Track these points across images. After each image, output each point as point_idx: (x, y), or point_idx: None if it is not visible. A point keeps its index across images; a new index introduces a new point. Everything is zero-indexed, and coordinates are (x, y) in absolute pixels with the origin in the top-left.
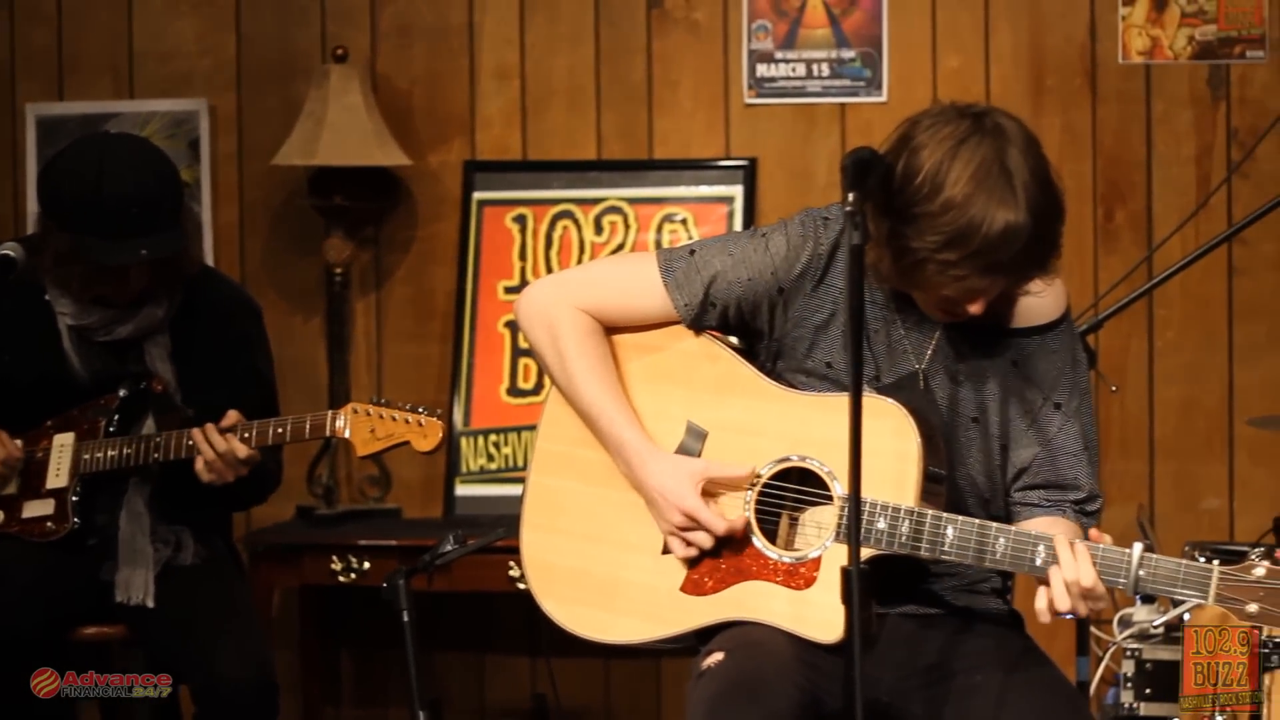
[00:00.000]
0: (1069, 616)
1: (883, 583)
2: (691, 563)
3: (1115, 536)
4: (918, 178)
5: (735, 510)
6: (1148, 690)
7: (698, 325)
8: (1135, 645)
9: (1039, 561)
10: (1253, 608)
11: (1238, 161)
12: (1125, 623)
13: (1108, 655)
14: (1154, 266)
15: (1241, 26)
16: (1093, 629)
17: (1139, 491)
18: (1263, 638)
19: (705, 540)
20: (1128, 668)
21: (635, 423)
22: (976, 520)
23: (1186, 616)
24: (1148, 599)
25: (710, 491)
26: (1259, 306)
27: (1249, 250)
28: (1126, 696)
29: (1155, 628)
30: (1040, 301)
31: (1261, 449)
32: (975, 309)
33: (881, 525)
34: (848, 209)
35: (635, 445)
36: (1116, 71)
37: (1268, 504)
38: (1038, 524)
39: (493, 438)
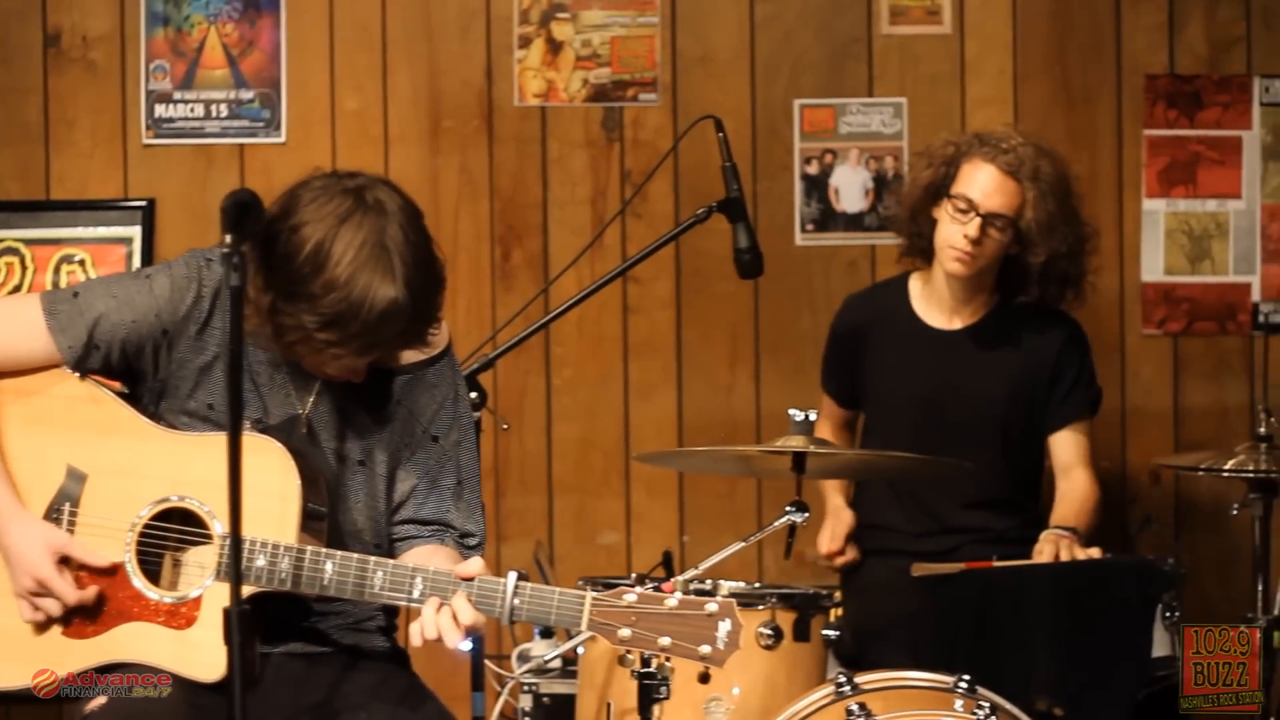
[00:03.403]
0: (463, 646)
1: (268, 621)
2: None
3: None
4: (299, 257)
5: (116, 551)
6: None
7: (81, 368)
8: (532, 680)
9: (417, 593)
10: (625, 632)
11: (628, 198)
12: (524, 658)
13: (506, 690)
14: (550, 305)
15: (634, 70)
16: (490, 664)
17: (538, 527)
18: (652, 669)
19: (55, 608)
20: (525, 702)
21: (1, 481)
22: (355, 555)
23: (581, 650)
24: (546, 633)
25: (90, 524)
26: (653, 344)
27: (643, 289)
28: None
29: (548, 662)
30: None
31: (656, 483)
32: (354, 379)
33: (261, 562)
34: (225, 251)
35: None
36: (513, 114)
37: (662, 537)
38: (418, 553)
39: None
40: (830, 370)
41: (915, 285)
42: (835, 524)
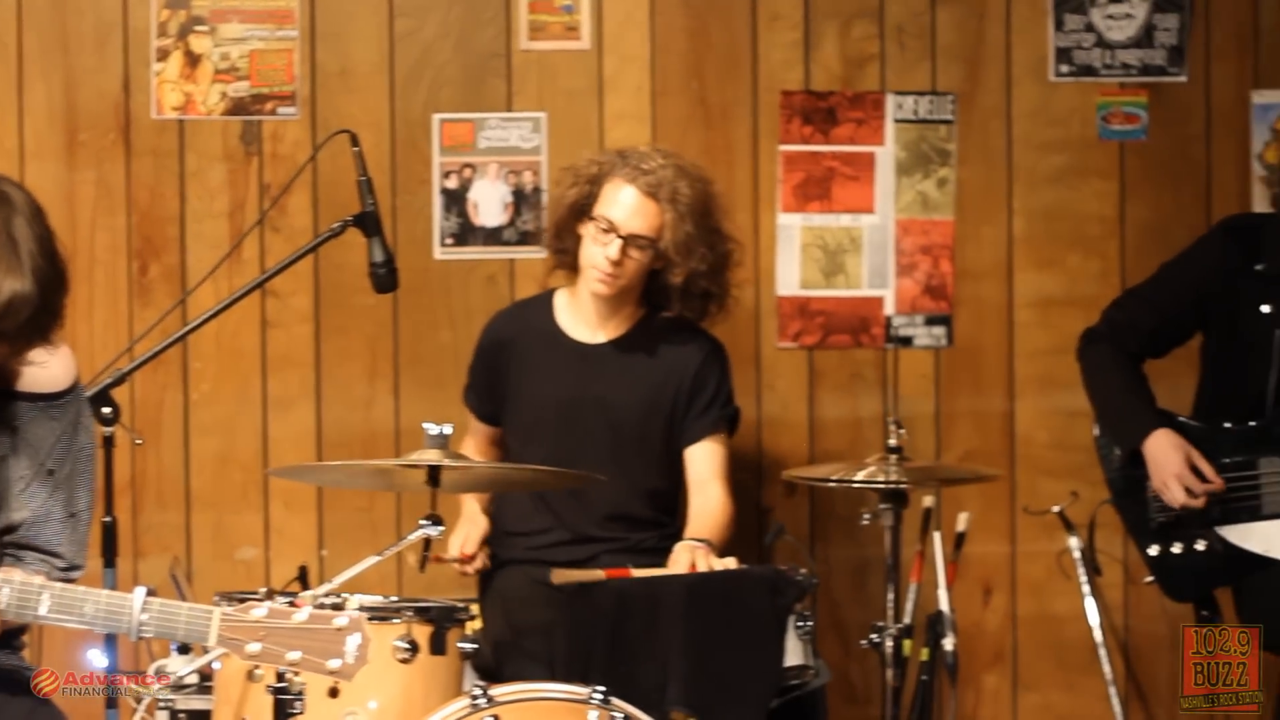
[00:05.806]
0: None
1: None
2: None
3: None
4: None
5: None
6: None
7: None
8: (169, 696)
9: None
10: (254, 647)
11: (265, 210)
12: (161, 673)
13: (142, 707)
14: (188, 318)
15: (273, 84)
16: (126, 680)
17: (176, 543)
18: (285, 684)
19: None
20: (162, 719)
21: None
22: None
23: (217, 665)
24: (184, 649)
25: None
26: (291, 358)
27: (281, 303)
28: None
29: (184, 677)
30: (47, 371)
31: (295, 498)
32: None
33: None
34: None
35: None
36: (150, 127)
37: (301, 551)
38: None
39: None
40: (473, 385)
41: (561, 300)
42: (470, 528)
